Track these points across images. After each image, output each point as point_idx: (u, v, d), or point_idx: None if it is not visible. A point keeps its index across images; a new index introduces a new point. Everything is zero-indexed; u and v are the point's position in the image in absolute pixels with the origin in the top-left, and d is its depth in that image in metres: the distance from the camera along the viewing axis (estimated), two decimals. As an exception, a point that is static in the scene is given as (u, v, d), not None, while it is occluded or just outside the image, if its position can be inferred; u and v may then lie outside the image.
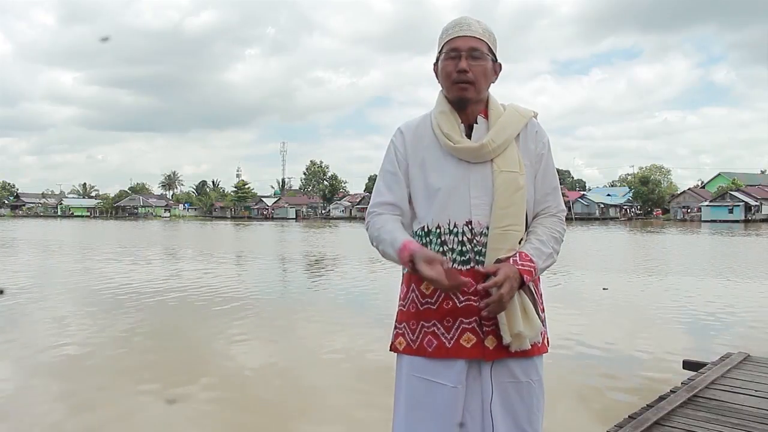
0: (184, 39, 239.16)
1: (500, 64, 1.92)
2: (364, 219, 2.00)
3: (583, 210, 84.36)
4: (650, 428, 3.33)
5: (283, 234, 43.65)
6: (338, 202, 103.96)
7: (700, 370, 4.58)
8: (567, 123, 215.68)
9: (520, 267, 1.74)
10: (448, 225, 1.82)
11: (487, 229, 1.80)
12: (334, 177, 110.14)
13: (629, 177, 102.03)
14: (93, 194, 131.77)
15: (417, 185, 1.89)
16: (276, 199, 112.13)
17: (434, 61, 1.94)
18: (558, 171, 2.03)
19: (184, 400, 5.42)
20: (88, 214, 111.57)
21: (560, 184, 2.02)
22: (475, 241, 1.80)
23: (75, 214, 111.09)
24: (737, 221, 66.73)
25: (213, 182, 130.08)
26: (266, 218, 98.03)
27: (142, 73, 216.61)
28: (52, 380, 6.16)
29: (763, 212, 70.68)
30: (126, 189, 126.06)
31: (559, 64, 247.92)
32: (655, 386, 5.23)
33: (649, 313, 9.98)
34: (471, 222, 1.81)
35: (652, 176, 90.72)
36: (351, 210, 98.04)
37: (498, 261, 1.77)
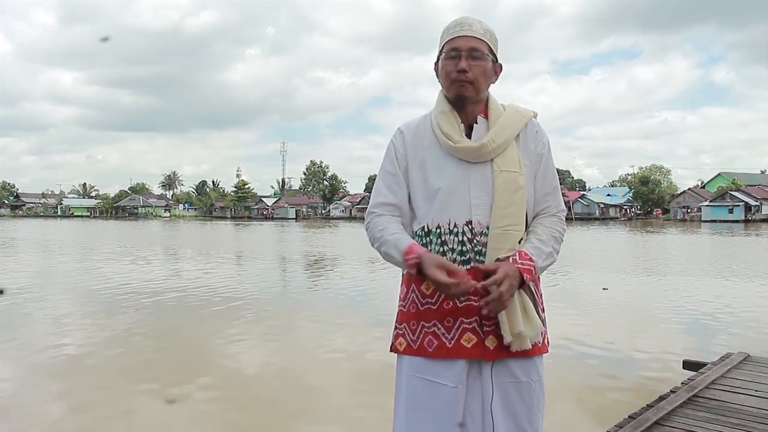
0: (184, 39, 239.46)
1: (501, 65, 1.92)
2: (363, 219, 2.00)
3: (583, 210, 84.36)
4: (650, 428, 3.33)
5: (283, 234, 43.65)
6: (338, 202, 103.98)
7: (700, 370, 4.58)
8: (567, 123, 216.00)
9: (519, 266, 1.74)
10: (449, 225, 1.82)
11: (488, 228, 1.80)
12: (334, 177, 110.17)
13: (629, 177, 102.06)
14: (93, 194, 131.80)
15: (417, 185, 1.89)
16: (276, 199, 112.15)
17: (435, 60, 1.94)
18: (558, 171, 2.03)
19: (184, 400, 5.42)
20: (88, 214, 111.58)
21: (560, 184, 2.02)
22: (475, 240, 1.80)
23: (75, 214, 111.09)
24: (737, 221, 66.73)
25: (213, 182, 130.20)
26: (266, 218, 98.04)
27: (142, 73, 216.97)
28: (52, 380, 6.16)
29: (763, 212, 70.68)
30: (126, 189, 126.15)
31: (559, 64, 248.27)
32: (655, 386, 5.23)
33: (649, 313, 9.98)
34: (471, 222, 1.81)
35: (652, 176, 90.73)
36: (351, 210, 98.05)
37: (498, 261, 1.77)
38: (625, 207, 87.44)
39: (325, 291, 13.03)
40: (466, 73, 1.81)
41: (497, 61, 1.89)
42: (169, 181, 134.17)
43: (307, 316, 9.82)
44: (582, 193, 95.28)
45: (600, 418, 4.69)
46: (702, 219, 71.23)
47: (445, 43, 1.87)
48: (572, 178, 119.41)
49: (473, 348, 1.77)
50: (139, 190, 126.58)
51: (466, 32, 1.84)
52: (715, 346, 6.94)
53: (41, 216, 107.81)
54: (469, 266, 1.79)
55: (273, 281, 15.11)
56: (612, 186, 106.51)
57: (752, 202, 71.09)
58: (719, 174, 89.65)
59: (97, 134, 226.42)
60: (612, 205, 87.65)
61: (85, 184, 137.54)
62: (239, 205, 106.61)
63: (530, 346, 1.78)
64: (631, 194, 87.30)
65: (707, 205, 73.44)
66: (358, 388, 5.88)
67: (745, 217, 69.21)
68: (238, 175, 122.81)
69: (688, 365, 5.19)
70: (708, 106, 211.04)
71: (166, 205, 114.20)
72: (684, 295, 11.69)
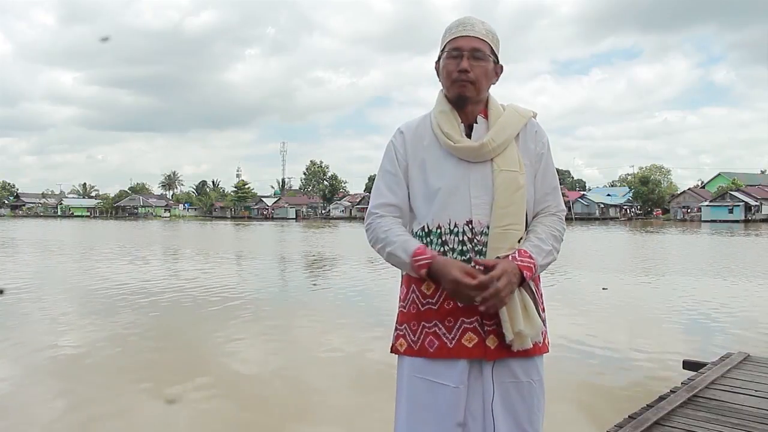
0: (184, 39, 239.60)
1: (501, 66, 1.92)
2: (363, 219, 2.00)
3: (583, 210, 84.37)
4: (650, 428, 3.33)
5: (282, 234, 43.65)
6: (338, 202, 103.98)
7: (700, 370, 4.58)
8: (567, 123, 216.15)
9: (519, 263, 1.74)
10: (449, 225, 1.82)
11: (488, 228, 1.80)
12: (334, 177, 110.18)
13: (629, 177, 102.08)
14: (93, 194, 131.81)
15: (417, 185, 1.89)
16: (276, 199, 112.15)
17: (436, 59, 1.94)
18: (558, 171, 2.03)
19: (183, 400, 5.42)
20: (88, 214, 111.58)
21: (560, 184, 2.03)
22: (475, 240, 1.80)
23: (75, 214, 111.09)
24: (737, 221, 66.73)
25: (213, 182, 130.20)
26: (266, 218, 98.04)
27: (142, 73, 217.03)
28: (51, 379, 6.16)
29: (763, 212, 70.68)
30: (126, 189, 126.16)
31: (559, 64, 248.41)
32: (655, 386, 5.23)
33: (649, 313, 9.98)
34: (471, 221, 1.80)
35: (652, 176, 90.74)
36: (351, 210, 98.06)
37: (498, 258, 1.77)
38: (625, 207, 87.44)
39: (325, 291, 13.03)
40: (468, 73, 1.81)
41: (498, 62, 1.90)
42: (169, 181, 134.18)
43: (307, 316, 9.82)
44: (582, 193, 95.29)
45: (600, 418, 4.69)
46: (702, 219, 71.24)
47: (447, 42, 1.87)
48: (572, 178, 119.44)
49: (474, 348, 1.77)
50: (139, 190, 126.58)
51: (468, 32, 1.84)
52: (715, 346, 6.95)
53: (41, 216, 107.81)
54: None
55: (272, 281, 15.11)
56: (612, 186, 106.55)
57: (752, 202, 71.08)
58: (719, 174, 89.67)
59: (97, 134, 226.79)
60: (612, 205, 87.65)
61: (85, 184, 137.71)
62: (239, 205, 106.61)
63: (531, 345, 1.78)
64: (631, 194, 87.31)
65: (707, 205, 73.45)
66: (357, 388, 5.88)
67: (745, 217, 69.21)
68: (238, 175, 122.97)
69: (688, 365, 5.20)
70: (708, 106, 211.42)
71: (166, 205, 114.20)
72: (684, 295, 11.69)
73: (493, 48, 1.86)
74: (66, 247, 28.13)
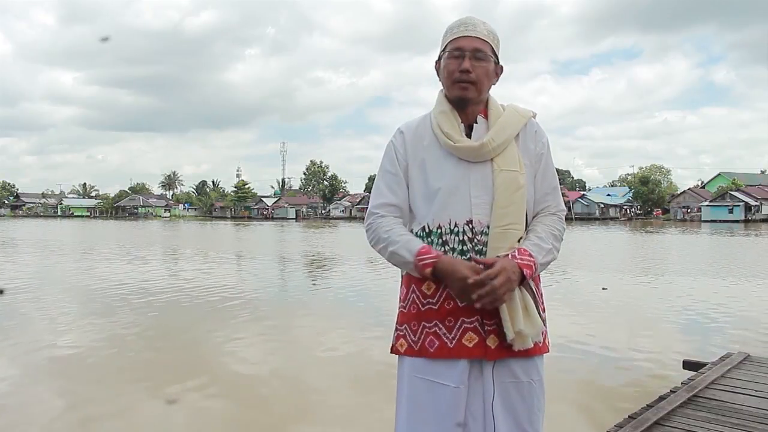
0: (184, 39, 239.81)
1: (501, 67, 1.92)
2: (363, 219, 2.00)
3: (583, 210, 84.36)
4: (650, 428, 3.33)
5: (282, 234, 43.65)
6: (338, 202, 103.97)
7: (700, 370, 4.58)
8: (567, 123, 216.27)
9: (519, 261, 1.74)
10: (449, 224, 1.82)
11: (488, 228, 1.80)
12: (334, 177, 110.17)
13: (629, 177, 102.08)
14: (93, 194, 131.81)
15: (417, 186, 1.89)
16: (276, 199, 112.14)
17: (437, 59, 1.94)
18: (558, 171, 2.03)
19: (183, 399, 5.41)
20: (88, 214, 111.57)
21: (560, 184, 2.03)
22: (476, 240, 1.80)
23: (75, 214, 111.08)
24: (737, 221, 66.73)
25: (213, 182, 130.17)
26: (266, 218, 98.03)
27: (142, 73, 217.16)
28: (51, 378, 6.16)
29: (763, 212, 70.67)
30: (126, 189, 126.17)
31: (559, 64, 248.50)
32: (655, 386, 5.23)
33: (648, 313, 9.98)
34: (472, 221, 1.81)
35: (652, 176, 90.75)
36: (351, 210, 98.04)
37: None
38: (625, 207, 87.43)
39: (325, 291, 13.02)
40: (469, 73, 1.81)
41: (498, 62, 1.90)
42: (169, 181, 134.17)
43: (306, 316, 9.82)
44: (582, 193, 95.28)
45: (600, 418, 4.70)
46: (702, 219, 71.23)
47: (449, 42, 1.87)
48: (572, 178, 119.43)
49: (475, 347, 1.77)
50: (139, 190, 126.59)
51: (470, 32, 1.84)
52: (715, 346, 6.94)
53: (41, 216, 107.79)
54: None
55: (272, 281, 15.11)
56: (612, 186, 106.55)
57: (752, 202, 71.08)
58: (719, 174, 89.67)
59: (97, 134, 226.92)
60: (612, 205, 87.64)
61: (85, 184, 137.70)
62: (239, 205, 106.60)
63: (532, 345, 1.78)
64: (631, 194, 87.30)
65: (707, 205, 73.44)
66: (357, 388, 5.88)
67: (745, 217, 69.21)
68: (238, 175, 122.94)
69: (688, 365, 5.20)
70: (708, 106, 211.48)
71: (166, 205, 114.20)
72: (683, 295, 11.69)
73: (494, 48, 1.87)
74: (66, 247, 28.12)
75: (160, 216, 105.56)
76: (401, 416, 1.86)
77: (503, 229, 1.79)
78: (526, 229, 1.86)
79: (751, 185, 77.48)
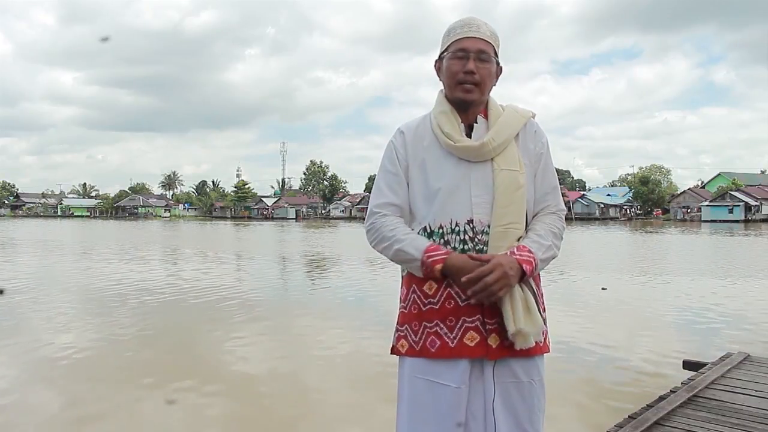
0: (184, 39, 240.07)
1: (501, 67, 1.93)
2: (363, 219, 1.99)
3: (583, 210, 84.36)
4: (650, 428, 3.33)
5: (282, 234, 43.65)
6: (338, 202, 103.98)
7: (700, 370, 4.59)
8: (567, 123, 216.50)
9: (518, 257, 1.75)
10: (450, 224, 1.82)
11: (489, 227, 1.80)
12: (334, 177, 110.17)
13: (629, 177, 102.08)
14: (93, 194, 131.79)
15: (417, 186, 1.89)
16: (276, 199, 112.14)
17: (437, 58, 1.94)
18: (558, 171, 2.03)
19: (182, 399, 5.41)
20: (88, 214, 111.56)
21: (560, 184, 2.03)
22: (476, 239, 1.80)
23: (75, 214, 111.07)
24: (737, 221, 66.73)
25: (213, 182, 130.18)
26: (266, 218, 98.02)
27: (142, 73, 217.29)
28: (50, 378, 6.16)
29: (763, 212, 70.68)
30: (126, 189, 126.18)
31: (559, 64, 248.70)
32: (655, 386, 5.22)
33: (648, 313, 9.97)
34: (472, 220, 1.81)
35: (652, 176, 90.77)
36: (351, 210, 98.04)
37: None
38: (625, 207, 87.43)
39: (324, 291, 13.02)
40: (474, 74, 1.82)
41: (498, 63, 1.90)
42: (169, 181, 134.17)
43: (306, 316, 9.82)
44: (582, 193, 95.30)
45: (600, 418, 4.69)
46: (702, 219, 71.23)
47: (452, 42, 1.86)
48: (572, 178, 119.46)
49: (476, 347, 1.77)
50: (139, 190, 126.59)
51: (474, 33, 1.84)
52: (715, 347, 6.94)
53: (41, 216, 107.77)
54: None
55: (272, 281, 15.10)
56: (612, 186, 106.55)
57: (752, 202, 71.08)
58: (719, 174, 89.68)
59: (97, 134, 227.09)
60: (612, 205, 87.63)
61: (85, 184, 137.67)
62: (239, 205, 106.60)
63: (533, 344, 1.78)
64: (631, 194, 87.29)
65: (707, 205, 73.45)
66: (357, 388, 5.87)
67: (745, 217, 69.21)
68: (238, 175, 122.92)
69: (688, 365, 5.20)
70: (708, 106, 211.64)
71: (166, 205, 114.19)
72: (684, 295, 11.69)
73: (496, 49, 1.87)
74: (66, 247, 28.12)
75: (160, 216, 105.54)
76: (402, 416, 1.86)
77: (504, 229, 1.80)
78: (526, 229, 1.86)
79: (751, 185, 77.48)
